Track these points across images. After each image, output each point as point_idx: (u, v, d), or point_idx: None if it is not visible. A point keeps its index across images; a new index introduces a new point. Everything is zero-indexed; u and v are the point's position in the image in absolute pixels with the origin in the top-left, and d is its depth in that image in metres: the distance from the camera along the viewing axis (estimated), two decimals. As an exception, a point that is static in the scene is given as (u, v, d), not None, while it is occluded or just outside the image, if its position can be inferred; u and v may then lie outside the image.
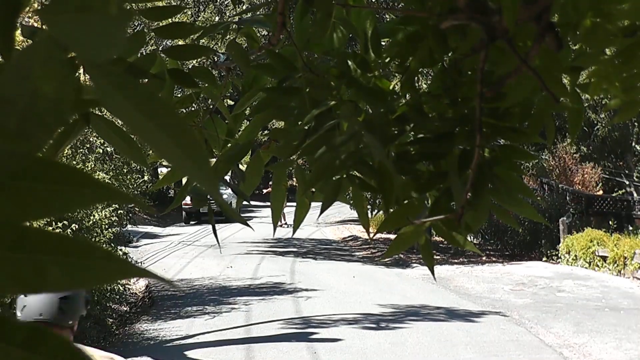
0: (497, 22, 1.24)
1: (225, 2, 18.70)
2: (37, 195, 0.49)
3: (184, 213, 26.92)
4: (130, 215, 13.50)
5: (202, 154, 0.53)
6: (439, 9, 1.32)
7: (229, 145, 1.64)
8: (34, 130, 0.49)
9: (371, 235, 1.50)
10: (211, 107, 1.67)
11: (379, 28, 1.50)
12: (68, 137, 1.30)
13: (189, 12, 17.54)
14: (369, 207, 1.59)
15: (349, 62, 1.49)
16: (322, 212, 1.37)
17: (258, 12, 1.73)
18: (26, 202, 0.49)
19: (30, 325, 0.49)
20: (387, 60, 1.50)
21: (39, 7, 0.55)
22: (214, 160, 1.57)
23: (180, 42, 1.68)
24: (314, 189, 1.39)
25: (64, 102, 0.51)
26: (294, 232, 1.51)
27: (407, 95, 1.46)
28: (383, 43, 1.51)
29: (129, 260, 0.62)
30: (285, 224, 22.20)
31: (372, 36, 1.47)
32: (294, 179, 1.53)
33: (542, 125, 1.44)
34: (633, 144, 21.60)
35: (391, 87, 1.51)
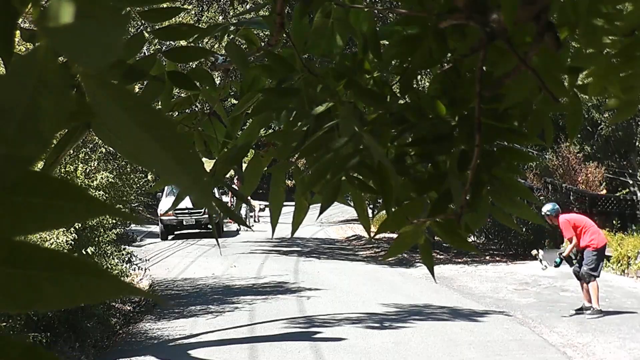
0: (495, 22, 1.24)
1: (229, 2, 18.68)
2: (31, 210, 0.49)
3: (160, 226, 20.71)
4: (134, 214, 13.47)
5: (198, 167, 0.53)
6: (438, 9, 1.32)
7: (228, 147, 1.63)
8: (31, 141, 0.48)
9: (372, 235, 1.50)
10: (209, 109, 1.66)
11: (378, 29, 1.49)
12: (69, 141, 1.29)
13: (192, 12, 17.53)
14: (370, 207, 1.58)
15: (348, 64, 1.48)
16: (320, 213, 1.37)
17: (260, 13, 1.73)
18: (20, 216, 0.49)
19: (25, 343, 0.49)
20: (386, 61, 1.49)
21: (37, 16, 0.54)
22: (214, 161, 1.57)
23: (180, 44, 1.67)
24: (313, 190, 1.38)
25: (61, 113, 0.50)
26: (292, 234, 1.51)
27: (406, 96, 1.45)
28: (385, 43, 1.51)
29: (121, 278, 0.61)
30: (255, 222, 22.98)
31: (370, 37, 1.47)
32: (293, 179, 1.52)
33: (541, 126, 1.43)
34: (637, 143, 21.51)
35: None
